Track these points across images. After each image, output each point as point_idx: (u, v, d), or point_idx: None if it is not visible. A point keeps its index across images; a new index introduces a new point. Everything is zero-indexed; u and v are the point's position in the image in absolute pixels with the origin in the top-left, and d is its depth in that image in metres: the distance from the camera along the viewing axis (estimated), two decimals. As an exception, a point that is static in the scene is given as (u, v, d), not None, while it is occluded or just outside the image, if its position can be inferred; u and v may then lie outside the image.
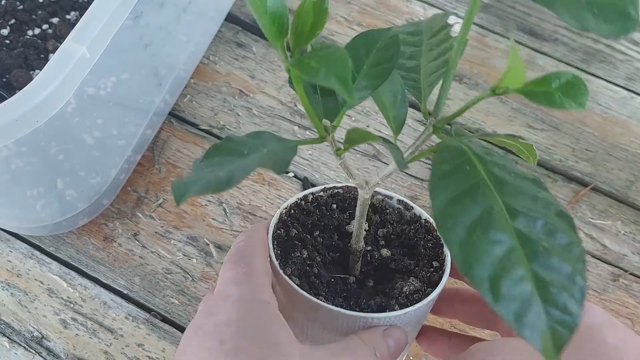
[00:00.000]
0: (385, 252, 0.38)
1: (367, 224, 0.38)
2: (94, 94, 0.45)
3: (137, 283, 0.50)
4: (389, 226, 0.39)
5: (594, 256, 0.52)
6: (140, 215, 0.52)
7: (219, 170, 0.26)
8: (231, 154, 0.28)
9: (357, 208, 0.35)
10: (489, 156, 0.28)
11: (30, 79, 0.50)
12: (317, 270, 0.36)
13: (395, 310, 0.34)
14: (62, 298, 0.49)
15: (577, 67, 0.62)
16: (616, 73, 0.62)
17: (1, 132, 0.37)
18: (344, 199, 0.40)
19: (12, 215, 0.50)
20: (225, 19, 0.63)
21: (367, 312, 0.34)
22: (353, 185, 0.39)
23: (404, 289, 0.35)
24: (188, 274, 0.50)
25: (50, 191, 0.47)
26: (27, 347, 0.47)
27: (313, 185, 0.54)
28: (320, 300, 0.33)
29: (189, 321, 0.48)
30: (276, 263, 0.34)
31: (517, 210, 0.25)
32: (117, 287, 0.50)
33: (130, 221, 0.52)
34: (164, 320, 0.49)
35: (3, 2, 0.56)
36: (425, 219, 0.39)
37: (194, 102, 0.58)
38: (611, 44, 0.64)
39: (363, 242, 0.36)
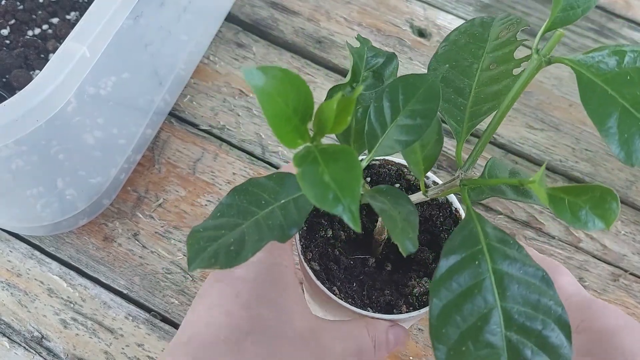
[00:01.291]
0: None
1: None
2: (94, 93, 0.45)
3: (137, 283, 0.50)
4: (419, 208, 0.39)
5: (594, 256, 0.52)
6: (140, 215, 0.52)
7: (232, 230, 0.27)
8: (250, 201, 0.28)
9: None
10: (502, 246, 0.27)
11: (31, 79, 0.50)
12: (337, 252, 0.37)
13: (401, 311, 0.35)
14: (62, 298, 0.49)
15: (577, 67, 0.62)
16: (616, 73, 0.62)
17: (1, 132, 0.37)
18: (379, 174, 0.40)
19: (12, 215, 0.50)
20: (226, 19, 0.63)
21: (375, 307, 0.35)
22: (390, 159, 0.40)
23: (415, 290, 0.36)
24: (188, 273, 0.50)
25: (51, 191, 0.46)
26: (27, 347, 0.47)
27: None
28: (334, 291, 0.34)
29: (189, 321, 0.48)
30: (299, 246, 0.36)
31: (513, 320, 0.25)
32: (117, 287, 0.50)
33: (130, 221, 0.52)
34: (164, 320, 0.49)
35: (3, 2, 0.56)
36: (455, 208, 0.39)
37: (194, 102, 0.58)
38: (611, 45, 0.64)
39: (386, 235, 0.37)
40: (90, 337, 0.47)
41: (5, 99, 0.38)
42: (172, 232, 0.52)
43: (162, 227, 0.52)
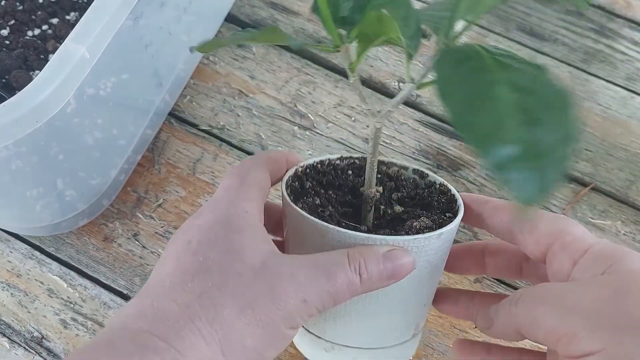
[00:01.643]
0: (398, 208, 0.38)
1: (381, 188, 0.38)
2: (94, 94, 0.45)
3: (137, 283, 0.50)
4: (403, 190, 0.39)
5: (594, 256, 0.52)
6: (140, 216, 0.52)
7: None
8: None
9: (370, 142, 0.34)
10: (498, 50, 0.28)
11: (30, 79, 0.50)
12: (328, 212, 0.36)
13: (402, 234, 0.34)
14: (62, 298, 0.49)
15: (577, 67, 0.62)
16: (616, 73, 0.62)
17: (1, 133, 0.37)
18: (360, 167, 0.40)
19: (12, 216, 0.50)
20: (225, 20, 0.63)
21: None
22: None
23: (414, 224, 0.35)
24: (188, 274, 0.50)
25: (50, 191, 0.47)
26: (27, 347, 0.47)
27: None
28: (327, 221, 0.33)
29: (189, 321, 0.48)
30: (286, 194, 0.35)
31: (517, 84, 0.25)
32: (117, 288, 0.50)
33: (130, 221, 0.52)
34: (164, 320, 0.49)
35: (3, 3, 0.56)
36: (440, 183, 0.39)
37: (193, 103, 0.58)
38: (611, 44, 0.64)
39: (375, 188, 0.36)
40: (91, 338, 0.47)
41: (4, 99, 0.38)
42: (172, 233, 0.52)
43: (162, 227, 0.52)
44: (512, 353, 0.39)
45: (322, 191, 0.38)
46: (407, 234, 0.34)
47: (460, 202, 0.37)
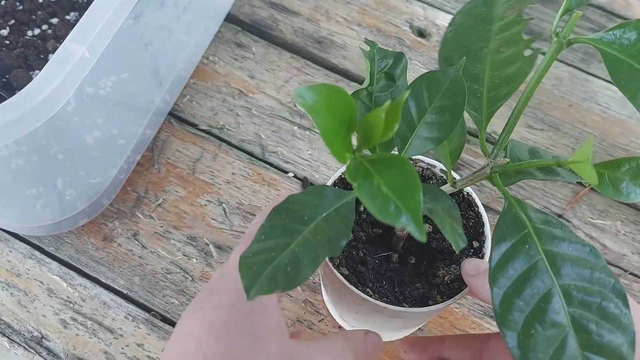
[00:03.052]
0: (425, 227, 0.38)
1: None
2: (94, 93, 0.45)
3: (136, 283, 0.50)
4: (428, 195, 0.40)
5: (593, 256, 0.53)
6: (140, 215, 0.52)
7: (282, 251, 0.26)
8: (293, 219, 0.27)
9: None
10: (547, 227, 0.28)
11: (30, 79, 0.50)
12: (362, 253, 0.37)
13: (436, 301, 0.36)
14: (61, 298, 0.49)
15: (577, 67, 0.62)
16: (616, 73, 0.62)
17: (1, 132, 0.37)
18: (422, 175, 0.41)
19: (12, 215, 0.50)
20: (225, 19, 0.63)
21: (410, 301, 0.36)
22: (419, 157, 0.41)
23: (446, 278, 0.36)
24: (188, 273, 0.50)
25: (50, 191, 0.47)
26: (26, 346, 0.47)
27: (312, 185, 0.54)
28: (368, 293, 0.35)
29: (189, 321, 0.48)
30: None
31: (573, 296, 0.26)
32: (116, 287, 0.50)
33: (130, 221, 0.52)
34: (164, 320, 0.49)
35: (3, 3, 0.56)
36: (467, 193, 0.40)
37: (193, 102, 0.58)
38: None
39: (407, 230, 0.37)
40: (90, 337, 0.47)
41: (5, 99, 0.38)
42: (171, 232, 0.52)
43: (161, 227, 0.52)
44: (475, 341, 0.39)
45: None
46: (438, 287, 0.37)
47: (486, 229, 0.38)
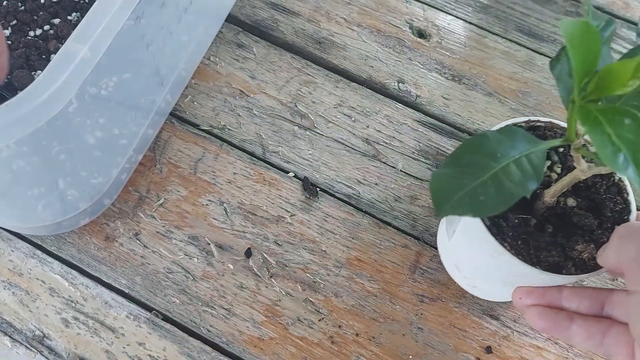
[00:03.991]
0: (571, 201, 0.39)
1: (569, 200, 0.40)
2: (96, 93, 0.45)
3: (138, 282, 0.50)
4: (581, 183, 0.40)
5: (593, 255, 0.53)
6: (142, 215, 0.53)
7: (473, 181, 0.29)
8: (484, 155, 0.30)
9: (568, 175, 0.36)
10: None
11: (32, 79, 0.51)
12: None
13: (570, 272, 0.37)
14: (63, 297, 0.49)
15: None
16: (615, 73, 0.62)
17: (3, 132, 0.37)
18: (544, 136, 0.41)
19: (14, 215, 0.50)
20: (226, 20, 0.63)
21: (542, 266, 0.37)
22: (557, 122, 0.41)
23: (584, 254, 0.37)
24: (189, 273, 0.50)
25: (52, 191, 0.47)
26: (28, 346, 0.47)
27: (313, 186, 0.54)
28: (505, 246, 0.37)
29: (190, 320, 0.49)
30: None
31: None
32: (118, 287, 0.50)
33: (132, 221, 0.52)
34: (165, 319, 0.49)
35: (5, 3, 0.56)
36: (619, 178, 0.40)
37: (195, 103, 0.58)
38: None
39: (556, 199, 0.38)
40: (92, 336, 0.48)
41: (6, 99, 0.38)
42: (173, 232, 0.52)
43: (163, 226, 0.52)
44: (597, 323, 0.38)
45: None
46: (574, 261, 0.37)
47: (632, 217, 0.38)
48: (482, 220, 0.37)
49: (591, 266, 0.37)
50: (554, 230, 0.39)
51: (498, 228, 0.37)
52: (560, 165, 0.40)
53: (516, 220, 0.38)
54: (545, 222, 0.39)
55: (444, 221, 0.47)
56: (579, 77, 0.26)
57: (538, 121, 0.40)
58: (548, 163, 0.40)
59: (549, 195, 0.38)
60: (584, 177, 0.35)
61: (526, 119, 0.40)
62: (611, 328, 0.36)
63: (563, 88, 0.31)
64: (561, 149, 0.41)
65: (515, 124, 0.40)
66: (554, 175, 0.40)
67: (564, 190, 0.37)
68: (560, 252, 0.37)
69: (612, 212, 0.39)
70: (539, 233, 0.38)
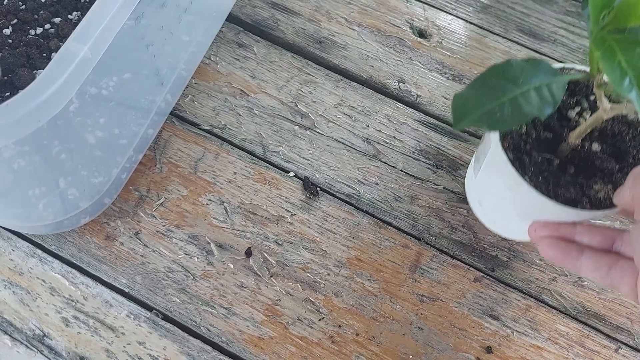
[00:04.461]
0: (595, 146, 0.40)
1: (594, 145, 0.41)
2: (96, 93, 0.45)
3: (138, 281, 0.50)
4: (609, 122, 0.41)
5: (593, 256, 0.53)
6: (142, 214, 0.53)
7: (493, 102, 0.31)
8: (507, 80, 0.32)
9: (592, 116, 0.37)
10: None
11: (33, 77, 0.51)
12: (529, 147, 0.39)
13: (584, 207, 0.38)
14: (63, 296, 0.49)
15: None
16: (616, 73, 0.62)
17: (3, 132, 0.37)
18: (577, 83, 0.42)
19: (15, 214, 0.50)
20: (227, 20, 0.63)
21: (560, 200, 0.38)
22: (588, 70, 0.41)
23: (600, 193, 0.38)
24: (189, 272, 0.50)
25: (53, 190, 0.47)
26: (28, 345, 0.47)
27: (314, 185, 0.54)
28: (525, 179, 0.38)
29: (190, 319, 0.49)
30: (497, 134, 0.39)
31: None
32: (118, 286, 0.50)
33: (132, 220, 0.52)
34: (165, 318, 0.49)
35: (5, 2, 0.56)
36: None
37: (195, 102, 0.58)
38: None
39: (580, 141, 0.39)
40: (92, 336, 0.48)
41: (7, 98, 0.38)
42: (173, 231, 0.52)
43: (163, 226, 0.52)
44: (605, 256, 0.39)
45: None
46: (590, 198, 0.38)
47: None
48: (505, 152, 0.38)
49: (606, 205, 0.38)
50: (575, 171, 0.40)
51: (520, 162, 0.39)
52: (589, 112, 0.41)
53: (539, 159, 0.39)
54: (568, 164, 0.40)
55: (472, 161, 0.48)
56: (596, 10, 0.29)
57: (573, 69, 0.42)
58: (578, 109, 0.41)
59: (574, 137, 0.38)
60: (607, 117, 0.36)
61: (561, 66, 0.41)
62: (618, 262, 0.37)
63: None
64: (592, 97, 0.42)
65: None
66: (582, 122, 0.40)
67: (588, 130, 0.38)
68: (578, 191, 0.38)
69: (634, 159, 0.40)
70: (560, 172, 0.39)
